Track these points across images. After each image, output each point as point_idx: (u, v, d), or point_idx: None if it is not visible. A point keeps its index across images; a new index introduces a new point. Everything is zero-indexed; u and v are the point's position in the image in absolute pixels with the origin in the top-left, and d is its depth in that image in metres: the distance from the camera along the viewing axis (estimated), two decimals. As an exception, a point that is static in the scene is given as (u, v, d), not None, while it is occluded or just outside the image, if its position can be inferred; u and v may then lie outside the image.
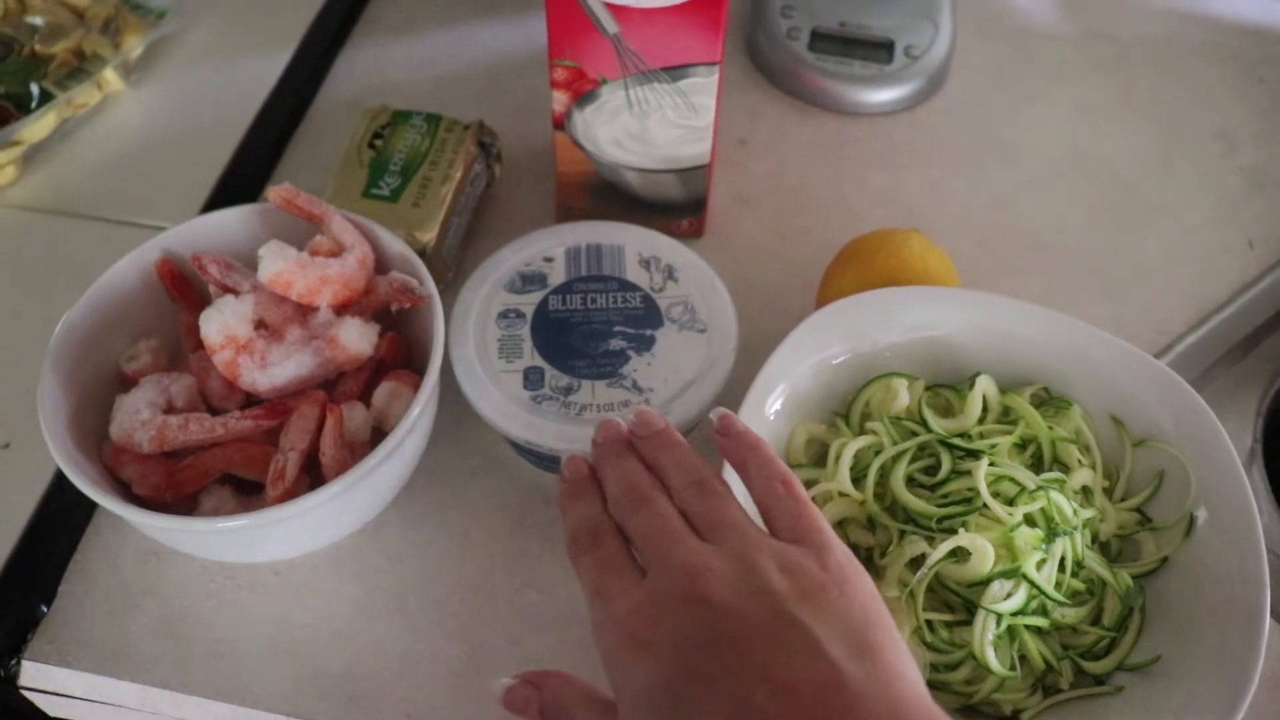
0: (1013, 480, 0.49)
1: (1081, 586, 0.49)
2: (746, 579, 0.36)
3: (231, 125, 0.73)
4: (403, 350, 0.54)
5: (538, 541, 0.55)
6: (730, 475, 0.44)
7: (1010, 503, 0.48)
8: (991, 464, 0.49)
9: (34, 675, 0.51)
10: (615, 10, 0.52)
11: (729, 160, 0.72)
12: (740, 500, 0.40)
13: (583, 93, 0.57)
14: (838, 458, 0.51)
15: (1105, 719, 0.46)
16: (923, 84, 0.75)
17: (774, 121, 0.75)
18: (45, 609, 0.52)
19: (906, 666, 0.35)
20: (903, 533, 0.49)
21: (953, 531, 0.47)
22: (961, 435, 0.52)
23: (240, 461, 0.49)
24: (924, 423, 0.52)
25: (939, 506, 0.48)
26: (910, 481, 0.50)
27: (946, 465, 0.50)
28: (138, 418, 0.48)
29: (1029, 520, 0.48)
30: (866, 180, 0.72)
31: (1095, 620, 0.49)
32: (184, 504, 0.50)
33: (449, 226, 0.61)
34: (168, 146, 0.73)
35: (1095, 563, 0.49)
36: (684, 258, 0.58)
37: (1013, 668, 0.46)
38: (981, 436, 0.52)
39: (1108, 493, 0.52)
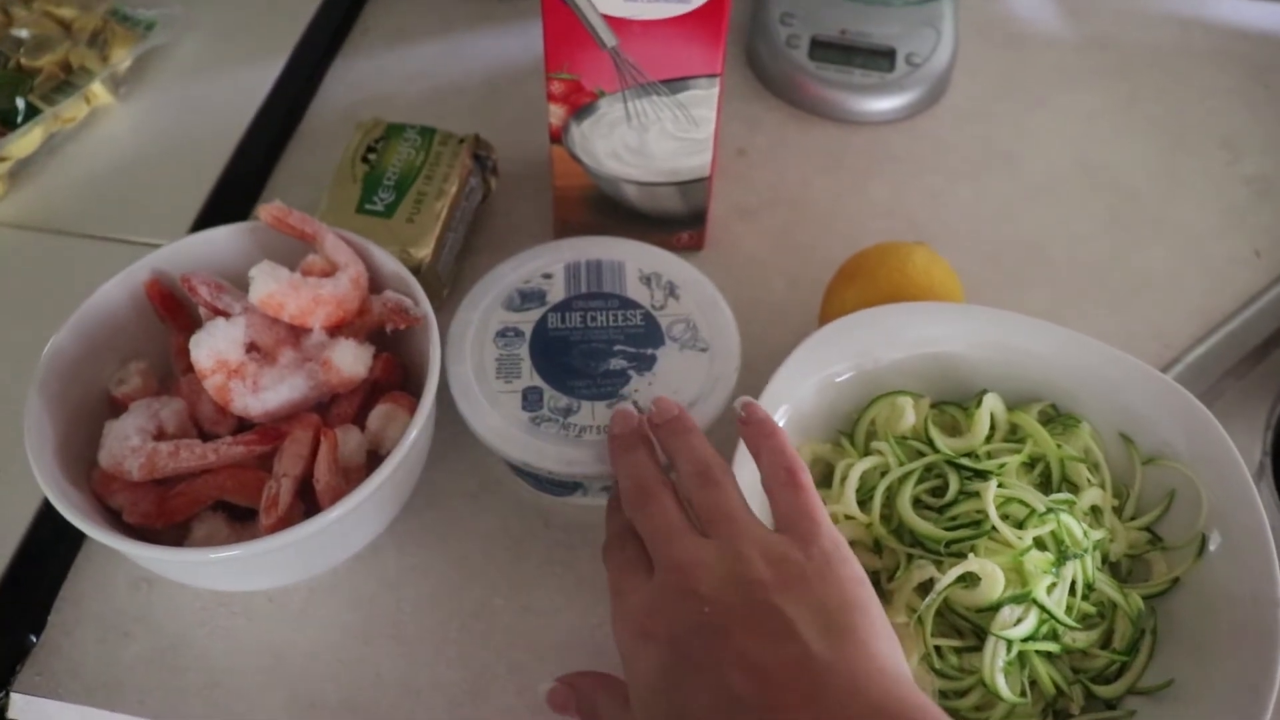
0: (1022, 502, 0.48)
1: (1092, 609, 0.48)
2: (733, 570, 0.39)
3: (222, 139, 0.72)
4: (398, 371, 0.53)
5: (537, 565, 0.54)
6: (747, 461, 0.46)
7: (1020, 525, 0.47)
8: (1000, 485, 0.48)
9: (23, 708, 0.50)
10: (614, 23, 0.51)
11: (728, 171, 0.71)
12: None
13: (580, 106, 0.56)
14: (843, 479, 0.50)
15: (1118, 746, 0.46)
16: (924, 92, 0.74)
17: (774, 131, 0.74)
18: (34, 639, 0.51)
19: (880, 645, 0.38)
20: (910, 556, 0.48)
21: (961, 556, 0.46)
22: (969, 455, 0.51)
23: (233, 488, 0.48)
24: (930, 442, 0.51)
25: (947, 529, 0.47)
26: (917, 503, 0.49)
27: (954, 486, 0.49)
28: (127, 444, 0.47)
29: (1039, 543, 0.47)
30: (868, 191, 0.71)
31: (1106, 643, 0.48)
32: (175, 532, 0.48)
33: (444, 242, 0.60)
34: (157, 161, 0.72)
35: (1106, 585, 0.48)
36: (686, 274, 0.57)
37: (1023, 694, 0.45)
38: (989, 456, 0.51)
39: (1117, 511, 0.52)
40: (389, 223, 0.59)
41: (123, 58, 0.75)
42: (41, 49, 0.73)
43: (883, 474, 0.50)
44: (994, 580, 0.45)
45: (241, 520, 0.49)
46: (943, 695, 0.46)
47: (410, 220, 0.59)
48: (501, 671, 0.50)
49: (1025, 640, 0.45)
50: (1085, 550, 0.47)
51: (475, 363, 0.53)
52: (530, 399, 0.52)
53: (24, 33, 0.74)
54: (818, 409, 0.53)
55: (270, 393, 0.49)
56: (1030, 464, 0.52)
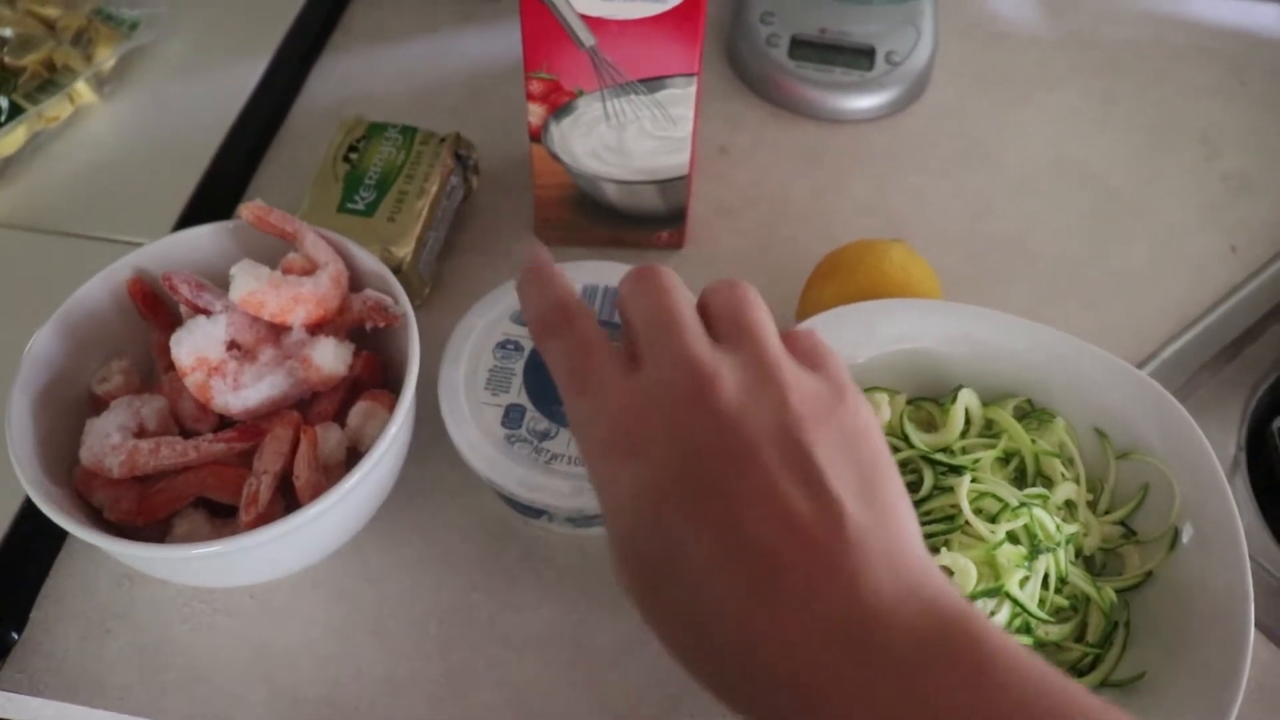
0: (995, 497, 0.48)
1: (1065, 603, 0.48)
2: (761, 392, 0.33)
3: (206, 137, 0.72)
4: (379, 369, 0.54)
5: (516, 560, 0.54)
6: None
7: (993, 520, 0.48)
8: (974, 479, 0.49)
9: (5, 705, 0.50)
10: (591, 22, 0.51)
11: (710, 170, 0.71)
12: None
13: (559, 105, 0.56)
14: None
15: (1090, 737, 0.46)
16: (904, 90, 0.75)
17: (755, 129, 0.75)
18: (16, 636, 0.51)
19: (909, 518, 0.33)
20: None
21: (935, 550, 0.47)
22: (944, 450, 0.51)
23: (213, 485, 0.49)
24: (906, 438, 0.51)
25: (921, 525, 0.48)
26: (893, 498, 0.50)
27: (929, 482, 0.50)
28: (108, 442, 0.47)
29: (1012, 537, 0.47)
30: (849, 188, 0.71)
31: (1079, 637, 0.48)
32: (157, 529, 0.49)
33: (425, 241, 0.61)
34: (141, 160, 0.72)
35: (1079, 578, 0.48)
36: None
37: (997, 686, 0.46)
38: (964, 451, 0.52)
39: (1091, 506, 0.52)
40: (370, 221, 0.59)
41: (107, 57, 0.75)
42: (26, 48, 0.73)
43: (859, 469, 0.50)
44: (966, 574, 0.46)
45: (222, 517, 0.49)
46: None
47: (391, 219, 0.59)
48: (481, 666, 0.51)
49: (998, 633, 0.46)
50: (1058, 544, 0.48)
51: (469, 369, 0.53)
52: (512, 416, 0.52)
53: (8, 31, 0.74)
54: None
55: (251, 390, 0.49)
56: (1005, 459, 0.52)
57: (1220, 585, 0.47)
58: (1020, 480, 0.52)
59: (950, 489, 0.49)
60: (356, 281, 0.54)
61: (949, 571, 0.46)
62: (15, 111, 0.70)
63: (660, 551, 0.32)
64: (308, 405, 0.52)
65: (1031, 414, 0.54)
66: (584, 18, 0.51)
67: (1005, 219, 0.70)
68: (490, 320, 0.55)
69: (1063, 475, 0.51)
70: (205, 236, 0.55)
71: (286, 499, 0.48)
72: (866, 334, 0.54)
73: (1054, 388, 0.54)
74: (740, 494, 0.31)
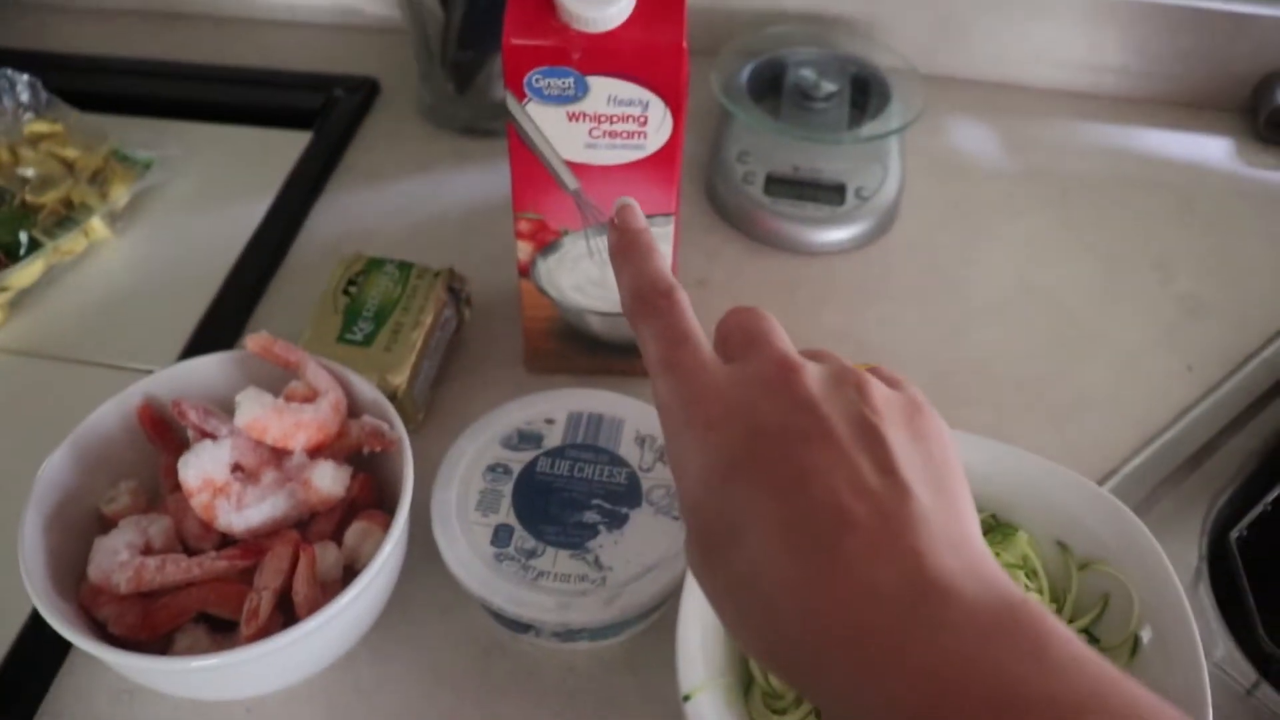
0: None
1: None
2: (842, 386, 0.35)
3: (212, 271, 0.76)
4: (374, 490, 0.56)
5: (504, 675, 0.56)
6: None
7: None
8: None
9: (5, 820, 0.51)
10: (575, 168, 0.56)
11: (689, 301, 0.74)
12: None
13: (546, 243, 0.60)
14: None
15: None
16: (874, 224, 0.79)
17: (732, 262, 0.79)
18: (18, 751, 0.53)
19: (972, 516, 0.34)
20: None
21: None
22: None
23: (215, 601, 0.51)
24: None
25: None
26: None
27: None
28: (116, 559, 0.50)
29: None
30: (821, 317, 0.75)
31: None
32: (159, 643, 0.51)
33: (420, 370, 0.64)
34: (151, 292, 0.76)
35: (1044, 686, 0.50)
36: None
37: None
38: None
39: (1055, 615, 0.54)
40: (368, 351, 0.63)
41: (121, 195, 0.80)
42: (45, 186, 0.77)
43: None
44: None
45: (222, 632, 0.51)
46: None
47: (388, 349, 0.63)
48: (470, 779, 0.52)
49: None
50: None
51: (460, 491, 0.56)
52: (500, 535, 0.54)
53: (30, 171, 0.78)
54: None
55: (253, 510, 0.52)
56: (971, 571, 0.54)
57: (1180, 688, 0.48)
58: (986, 592, 0.54)
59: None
60: (355, 408, 0.57)
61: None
62: (34, 246, 0.74)
63: (727, 518, 0.32)
64: (307, 525, 0.54)
65: (996, 528, 0.56)
66: (568, 163, 0.55)
67: (972, 344, 0.73)
68: (481, 445, 0.58)
69: (1026, 587, 0.54)
70: (212, 365, 0.58)
71: (285, 615, 0.50)
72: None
73: (1017, 503, 0.56)
74: (811, 463, 0.32)
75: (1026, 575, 0.54)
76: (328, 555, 0.52)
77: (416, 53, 0.88)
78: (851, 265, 0.79)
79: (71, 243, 0.77)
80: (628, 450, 0.58)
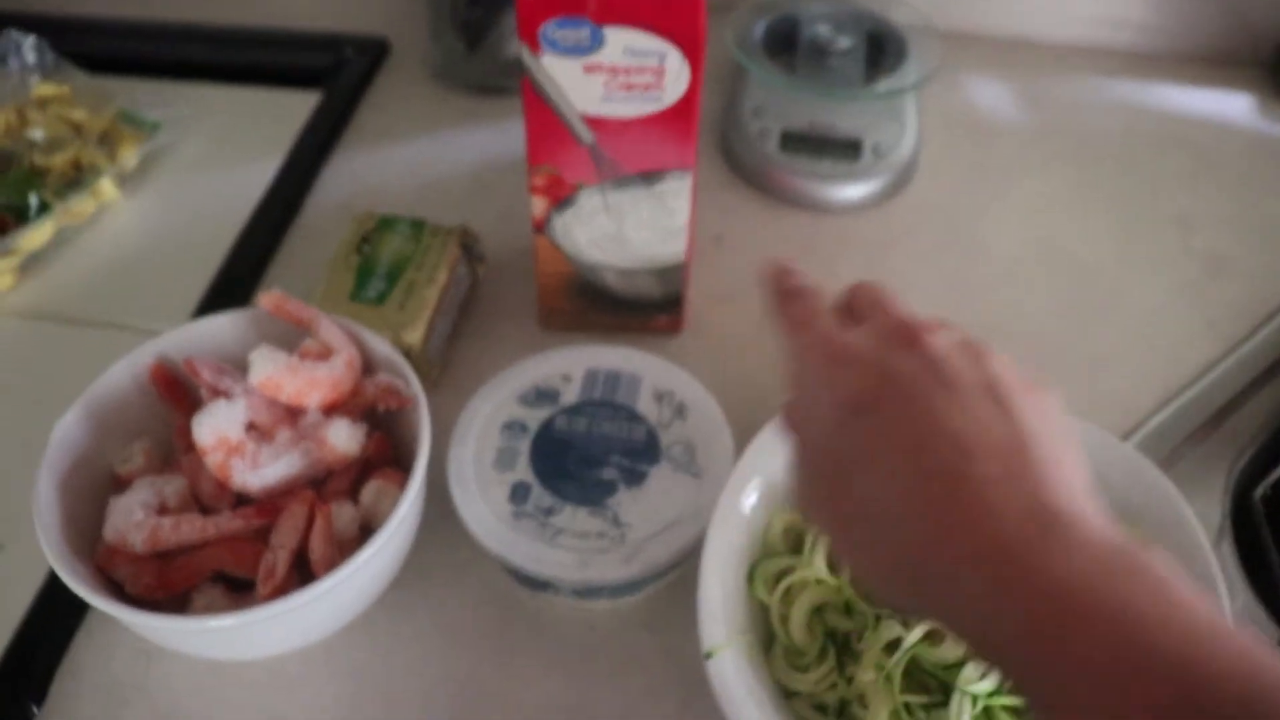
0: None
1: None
2: (968, 352, 0.37)
3: (223, 231, 0.76)
4: (390, 448, 0.56)
5: (522, 633, 0.56)
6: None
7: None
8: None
9: (25, 778, 0.51)
10: (591, 122, 0.55)
11: (706, 258, 0.74)
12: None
13: (561, 198, 0.59)
14: (814, 547, 0.52)
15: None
16: (890, 180, 0.78)
17: (748, 219, 0.78)
18: (37, 709, 0.52)
19: (1083, 475, 0.35)
20: (878, 617, 0.50)
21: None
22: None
23: (231, 560, 0.51)
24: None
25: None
26: (885, 566, 0.52)
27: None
28: (131, 519, 0.50)
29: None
30: (838, 275, 0.73)
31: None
32: (176, 602, 0.51)
33: (434, 327, 0.63)
34: (162, 253, 0.76)
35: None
36: (697, 396, 0.58)
37: (990, 748, 0.47)
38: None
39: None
40: (381, 309, 0.62)
41: (129, 157, 0.79)
42: (54, 149, 0.77)
43: (851, 539, 0.52)
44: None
45: (239, 591, 0.51)
46: (913, 751, 0.48)
47: (401, 307, 0.62)
48: (489, 737, 0.52)
49: (989, 695, 0.47)
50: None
51: (476, 449, 0.56)
52: (518, 493, 0.54)
53: (39, 134, 0.78)
54: (788, 483, 0.55)
55: (268, 469, 0.51)
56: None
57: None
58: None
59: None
60: (369, 366, 0.56)
61: (941, 636, 0.48)
62: (43, 208, 0.73)
63: (857, 447, 0.35)
64: (322, 484, 0.54)
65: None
66: (584, 117, 0.55)
67: (990, 302, 0.73)
68: (497, 402, 0.58)
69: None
70: (225, 324, 0.58)
71: (301, 575, 0.50)
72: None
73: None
74: (940, 404, 0.34)
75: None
76: (344, 513, 0.51)
77: (426, 11, 0.87)
78: (868, 222, 0.78)
79: (81, 205, 0.76)
80: (646, 406, 0.58)
